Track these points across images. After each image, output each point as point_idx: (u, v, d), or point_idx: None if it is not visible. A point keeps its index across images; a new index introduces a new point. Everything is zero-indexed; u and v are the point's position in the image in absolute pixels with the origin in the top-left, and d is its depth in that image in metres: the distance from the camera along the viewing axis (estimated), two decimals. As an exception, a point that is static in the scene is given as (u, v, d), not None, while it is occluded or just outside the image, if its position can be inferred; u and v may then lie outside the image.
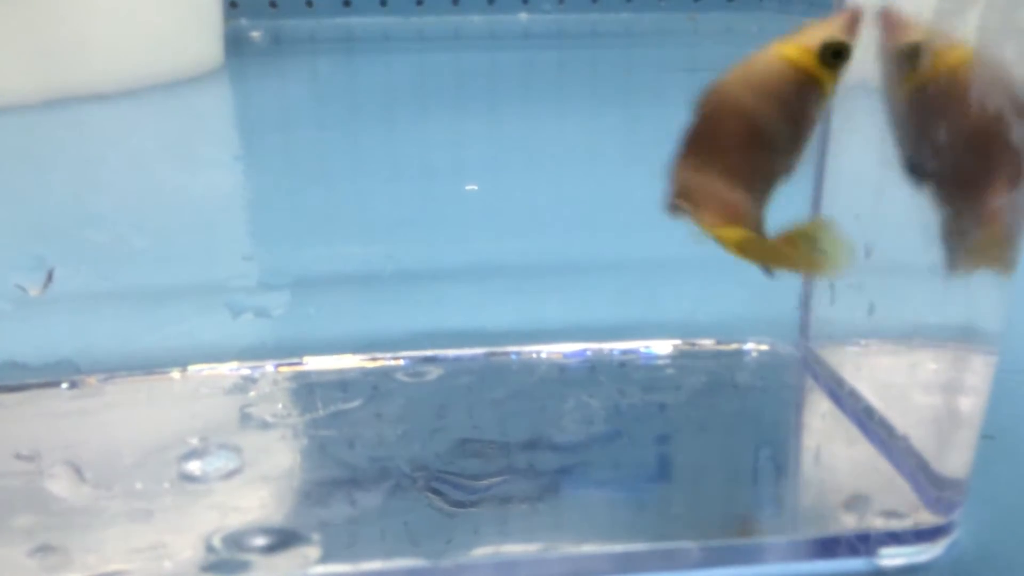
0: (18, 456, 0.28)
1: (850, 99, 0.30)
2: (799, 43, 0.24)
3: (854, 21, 0.24)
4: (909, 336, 0.28)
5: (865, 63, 0.27)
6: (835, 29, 0.24)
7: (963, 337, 0.25)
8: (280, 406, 0.31)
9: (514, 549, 0.25)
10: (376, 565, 0.24)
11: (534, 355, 0.34)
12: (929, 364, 0.27)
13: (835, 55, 0.24)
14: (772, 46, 0.24)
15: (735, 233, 0.24)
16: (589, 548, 0.25)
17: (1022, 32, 0.22)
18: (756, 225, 0.24)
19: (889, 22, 0.24)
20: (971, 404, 0.25)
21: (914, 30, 0.23)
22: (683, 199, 0.24)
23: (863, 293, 0.29)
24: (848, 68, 0.24)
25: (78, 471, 0.27)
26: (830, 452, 0.30)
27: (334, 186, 0.44)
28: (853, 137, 0.30)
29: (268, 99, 0.58)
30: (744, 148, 0.24)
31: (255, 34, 0.74)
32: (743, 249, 0.24)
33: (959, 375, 0.25)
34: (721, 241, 0.24)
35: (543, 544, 0.25)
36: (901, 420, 0.28)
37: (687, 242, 0.39)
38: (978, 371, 0.25)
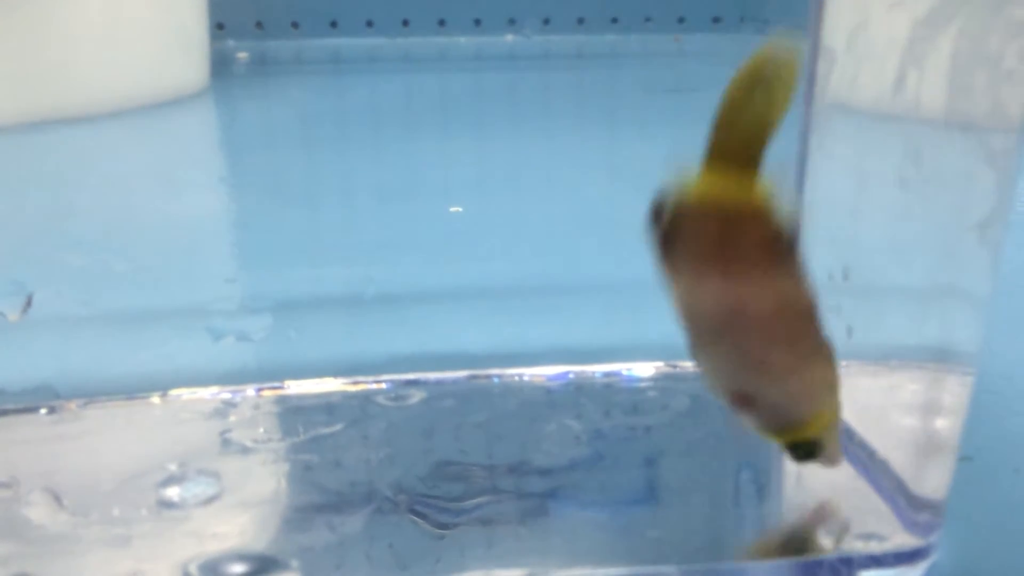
0: (-5, 483, 0.28)
1: (827, 121, 0.30)
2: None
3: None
4: (887, 358, 0.28)
5: (841, 85, 0.28)
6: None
7: (940, 358, 0.25)
8: (261, 430, 0.31)
9: (501, 574, 0.25)
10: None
11: (517, 378, 0.34)
12: (907, 385, 0.27)
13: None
14: None
15: None
16: (575, 572, 0.25)
17: (991, 60, 0.22)
18: None
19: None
20: (948, 425, 0.25)
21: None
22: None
23: (841, 315, 0.29)
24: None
25: (56, 497, 0.27)
26: (811, 474, 0.30)
27: (318, 208, 0.44)
28: (829, 160, 0.30)
29: (253, 120, 0.58)
30: None
31: (241, 55, 0.74)
32: None
33: (937, 396, 0.26)
34: None
35: (529, 568, 0.25)
36: (880, 442, 0.28)
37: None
38: (955, 392, 0.25)
